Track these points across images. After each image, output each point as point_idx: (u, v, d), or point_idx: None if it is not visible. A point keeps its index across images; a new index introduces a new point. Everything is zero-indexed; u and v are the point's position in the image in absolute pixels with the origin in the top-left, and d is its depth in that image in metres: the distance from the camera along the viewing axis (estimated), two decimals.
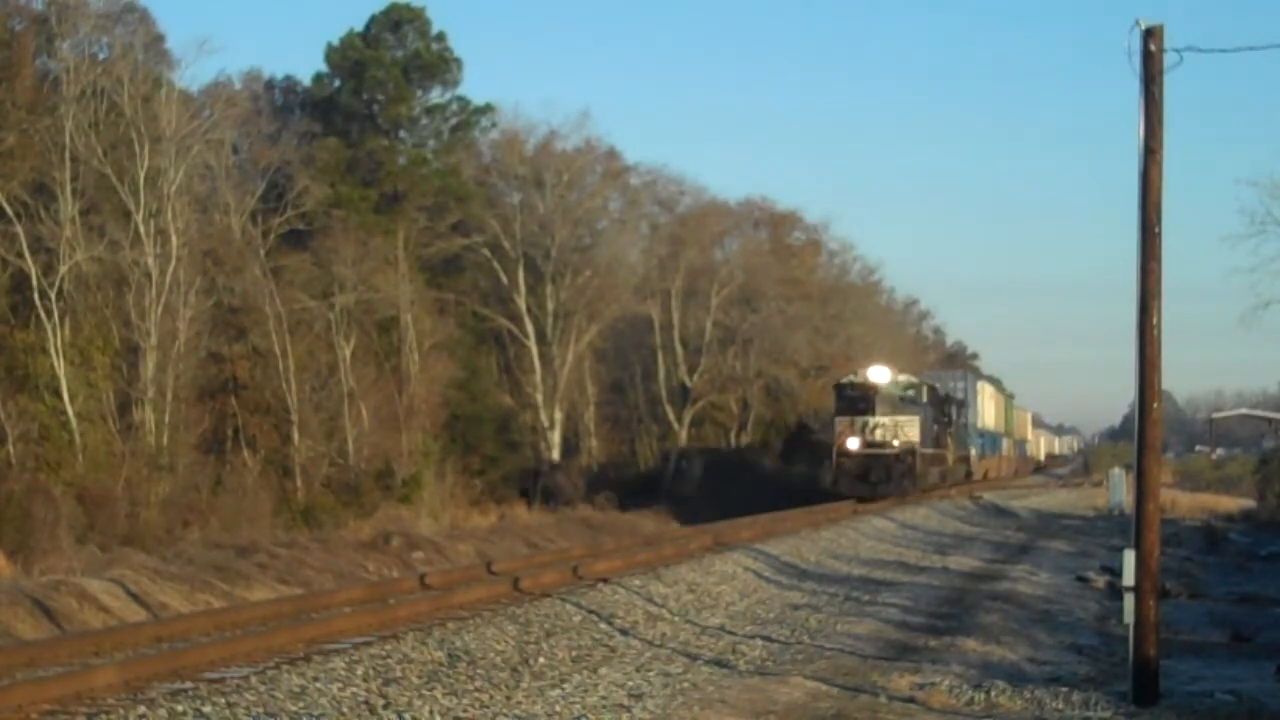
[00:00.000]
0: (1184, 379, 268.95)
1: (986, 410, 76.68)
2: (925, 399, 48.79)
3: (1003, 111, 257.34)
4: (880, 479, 45.29)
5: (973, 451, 66.51)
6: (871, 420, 45.53)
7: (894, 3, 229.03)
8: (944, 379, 64.95)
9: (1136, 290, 14.39)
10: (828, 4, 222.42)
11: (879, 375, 46.60)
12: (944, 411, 54.19)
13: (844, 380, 48.27)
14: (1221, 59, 14.80)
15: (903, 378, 48.20)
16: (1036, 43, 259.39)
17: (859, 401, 46.05)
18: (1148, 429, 14.37)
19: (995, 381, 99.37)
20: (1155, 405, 14.46)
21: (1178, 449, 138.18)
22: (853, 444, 45.34)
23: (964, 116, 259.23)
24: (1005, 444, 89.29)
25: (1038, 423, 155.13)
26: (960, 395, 64.37)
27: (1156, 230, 14.28)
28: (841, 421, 46.36)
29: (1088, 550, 36.69)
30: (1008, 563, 31.92)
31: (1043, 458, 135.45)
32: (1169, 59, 14.17)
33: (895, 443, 45.40)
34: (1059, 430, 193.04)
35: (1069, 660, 17.53)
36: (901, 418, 45.83)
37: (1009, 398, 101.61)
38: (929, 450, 49.14)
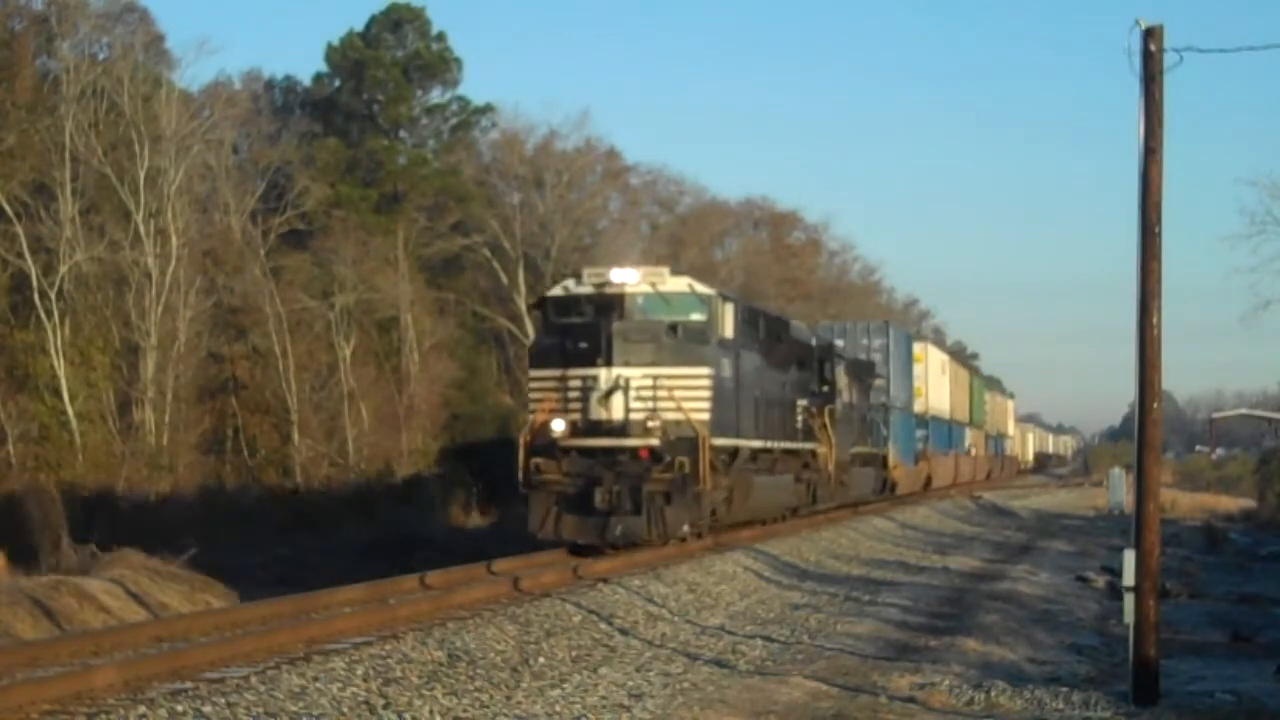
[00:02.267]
0: (1184, 379, 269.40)
1: (934, 387, 54.74)
2: (731, 332, 25.02)
3: (1003, 111, 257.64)
4: (618, 505, 22.85)
5: (893, 449, 44.48)
6: (602, 376, 22.90)
7: (894, 3, 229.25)
8: (851, 334, 45.31)
9: (1137, 290, 14.40)
10: (828, 4, 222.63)
11: (624, 277, 23.90)
12: (823, 375, 33.19)
13: (552, 292, 25.07)
14: (1222, 59, 14.80)
15: (676, 283, 24.30)
16: (1037, 42, 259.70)
17: (579, 336, 23.30)
18: (1148, 429, 14.37)
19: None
20: (1155, 405, 14.46)
21: (1178, 449, 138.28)
22: (558, 427, 23.08)
23: (964, 116, 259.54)
24: (969, 438, 67.89)
25: (1031, 419, 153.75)
26: (874, 356, 44.31)
27: (1156, 230, 14.28)
28: (540, 383, 23.93)
29: (1088, 550, 36.72)
30: (1008, 563, 31.95)
31: (1031, 458, 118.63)
32: (1169, 59, 14.19)
33: (651, 424, 22.88)
34: (1058, 429, 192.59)
35: (1069, 660, 17.54)
36: (667, 371, 23.08)
37: (979, 377, 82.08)
38: (754, 442, 26.47)
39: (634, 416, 23.03)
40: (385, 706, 12.14)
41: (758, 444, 27.02)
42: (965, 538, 39.50)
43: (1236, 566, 34.57)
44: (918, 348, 54.20)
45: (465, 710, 12.47)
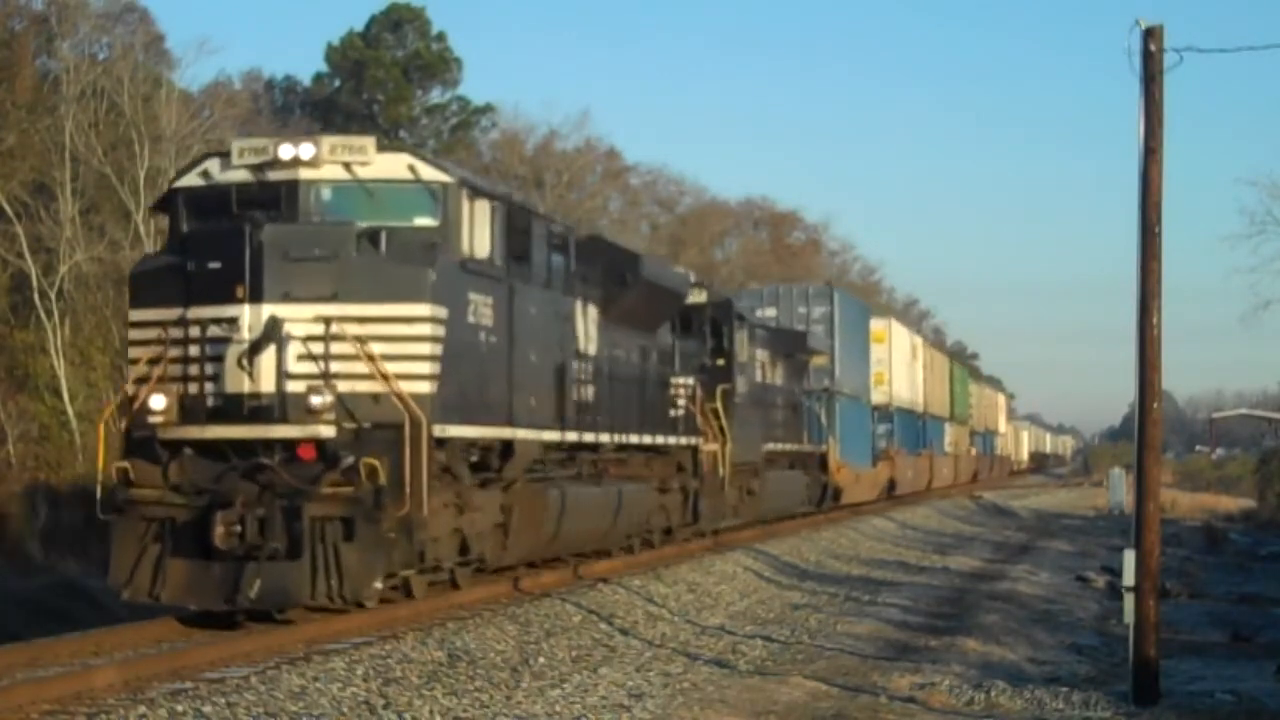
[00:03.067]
0: (1184, 379, 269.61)
1: (900, 373, 46.98)
2: (490, 248, 15.98)
3: (1003, 111, 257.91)
4: (259, 542, 13.82)
5: (836, 446, 36.51)
6: (245, 318, 14.09)
7: (894, 3, 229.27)
8: (785, 300, 36.58)
9: (1137, 290, 14.40)
10: (828, 4, 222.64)
11: (295, 153, 14.79)
12: (719, 343, 26.43)
13: (183, 181, 15.66)
14: (1222, 59, 14.81)
15: (389, 164, 15.21)
16: (1037, 42, 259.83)
17: (210, 250, 14.36)
18: (1148, 429, 14.37)
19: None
20: (1155, 405, 14.46)
21: (1178, 449, 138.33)
22: (158, 406, 14.35)
23: (964, 116, 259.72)
24: (949, 435, 60.83)
25: (1032, 419, 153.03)
26: (814, 329, 35.70)
27: (1157, 230, 14.28)
28: (144, 331, 14.99)
29: (1088, 550, 36.73)
30: (1008, 562, 31.96)
31: (1026, 458, 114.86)
32: (1169, 59, 14.19)
33: (319, 400, 13.99)
34: (1057, 429, 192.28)
35: (1069, 660, 17.54)
36: (356, 310, 14.32)
37: (962, 366, 74.19)
38: (549, 434, 17.92)
39: (292, 388, 14.01)
40: (385, 706, 12.13)
41: (556, 437, 18.00)
42: (965, 538, 39.51)
43: (1236, 566, 34.58)
44: (878, 324, 45.22)
45: (465, 710, 12.47)
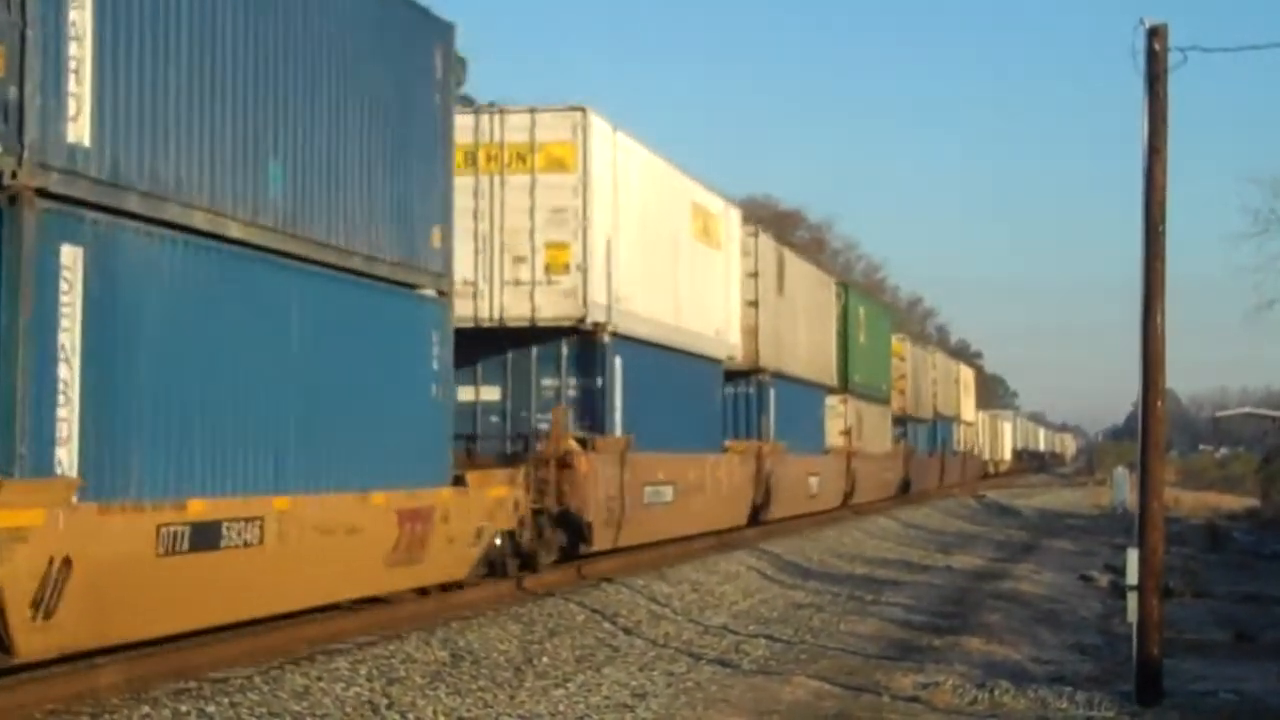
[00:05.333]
0: (1188, 377, 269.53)
1: (633, 243, 22.40)
2: None
3: (1008, 109, 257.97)
4: None
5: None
6: None
7: (897, 1, 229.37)
8: None
9: (1141, 289, 14.38)
10: (829, 3, 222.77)
11: None
12: None
13: None
14: (1227, 58, 14.82)
15: None
16: (1041, 40, 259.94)
17: None
18: (1151, 427, 14.36)
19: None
20: (1159, 404, 14.45)
21: (1182, 447, 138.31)
22: None
23: (969, 114, 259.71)
24: (840, 418, 38.75)
25: (1036, 418, 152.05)
26: None
27: (1161, 229, 14.27)
28: None
29: (1091, 549, 36.72)
30: (1011, 561, 31.97)
31: (1007, 458, 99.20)
32: (1173, 58, 14.17)
33: None
34: (1060, 427, 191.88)
35: (1072, 659, 17.53)
36: None
37: (873, 304, 48.86)
38: None
39: None
40: (389, 706, 12.14)
41: None
42: (968, 536, 39.52)
43: (1240, 565, 34.54)
44: (555, 122, 21.10)
45: (469, 710, 12.47)
